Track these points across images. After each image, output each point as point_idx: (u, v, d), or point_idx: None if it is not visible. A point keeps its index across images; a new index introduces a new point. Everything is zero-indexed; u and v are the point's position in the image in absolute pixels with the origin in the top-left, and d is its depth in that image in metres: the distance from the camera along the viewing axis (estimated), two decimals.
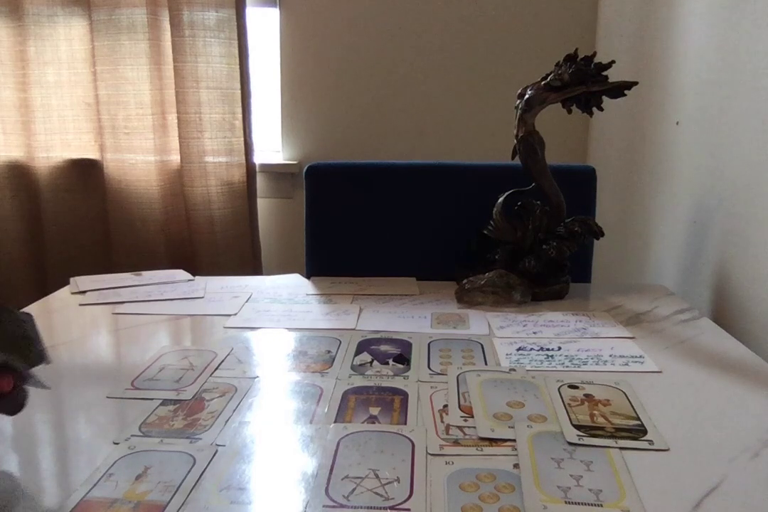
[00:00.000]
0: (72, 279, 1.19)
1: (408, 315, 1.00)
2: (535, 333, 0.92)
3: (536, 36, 1.95)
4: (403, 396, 0.71)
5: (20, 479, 0.56)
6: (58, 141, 1.96)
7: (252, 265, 2.03)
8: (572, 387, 0.73)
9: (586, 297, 1.12)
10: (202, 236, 1.98)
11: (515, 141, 1.08)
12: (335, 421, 0.65)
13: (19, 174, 1.97)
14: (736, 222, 1.04)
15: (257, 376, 0.77)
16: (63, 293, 1.13)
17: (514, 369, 0.78)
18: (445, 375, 0.77)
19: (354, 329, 0.94)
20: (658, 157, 1.42)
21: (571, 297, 1.10)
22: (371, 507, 0.51)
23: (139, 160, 1.94)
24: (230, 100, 1.93)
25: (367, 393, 0.72)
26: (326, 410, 0.68)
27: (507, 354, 0.83)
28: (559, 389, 0.72)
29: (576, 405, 0.68)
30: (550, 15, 1.94)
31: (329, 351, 0.85)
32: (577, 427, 0.63)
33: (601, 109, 1.05)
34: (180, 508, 0.50)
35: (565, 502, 0.51)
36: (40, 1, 1.87)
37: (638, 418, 0.65)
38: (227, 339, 0.90)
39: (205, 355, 0.83)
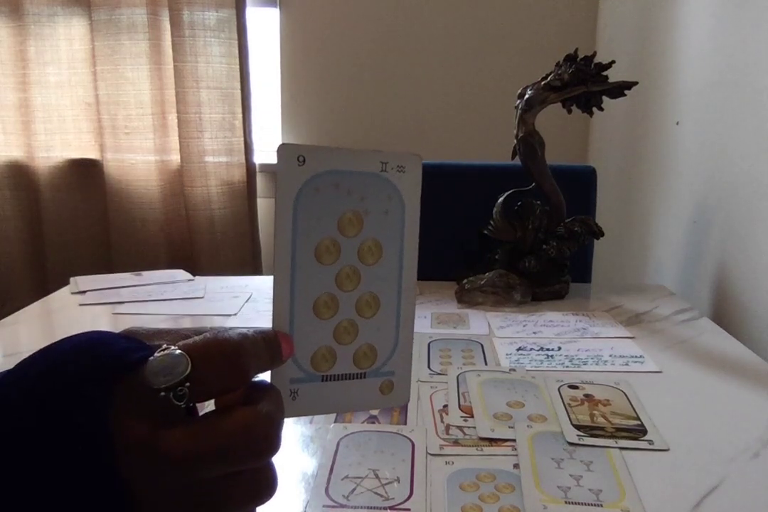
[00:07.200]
0: (72, 279, 1.19)
1: None
2: (535, 333, 0.92)
3: (536, 36, 1.95)
4: None
5: None
6: (58, 141, 1.96)
7: (252, 265, 2.03)
8: (572, 387, 0.73)
9: (586, 297, 1.12)
10: (202, 236, 1.98)
11: (515, 141, 1.08)
12: (335, 421, 0.65)
13: (19, 174, 1.97)
14: (736, 222, 1.04)
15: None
16: (63, 293, 1.13)
17: (514, 369, 0.78)
18: (445, 375, 0.77)
19: None
20: (658, 157, 1.42)
21: (571, 297, 1.10)
22: (371, 507, 0.51)
23: (139, 160, 1.94)
24: (230, 100, 1.93)
25: None
26: None
27: (507, 354, 0.83)
28: (559, 389, 0.72)
29: (576, 405, 0.68)
30: (550, 15, 1.94)
31: None
32: (577, 427, 0.63)
33: (601, 109, 1.05)
34: None
35: (565, 502, 0.51)
36: (40, 1, 1.87)
37: (638, 418, 0.65)
38: None
39: None
